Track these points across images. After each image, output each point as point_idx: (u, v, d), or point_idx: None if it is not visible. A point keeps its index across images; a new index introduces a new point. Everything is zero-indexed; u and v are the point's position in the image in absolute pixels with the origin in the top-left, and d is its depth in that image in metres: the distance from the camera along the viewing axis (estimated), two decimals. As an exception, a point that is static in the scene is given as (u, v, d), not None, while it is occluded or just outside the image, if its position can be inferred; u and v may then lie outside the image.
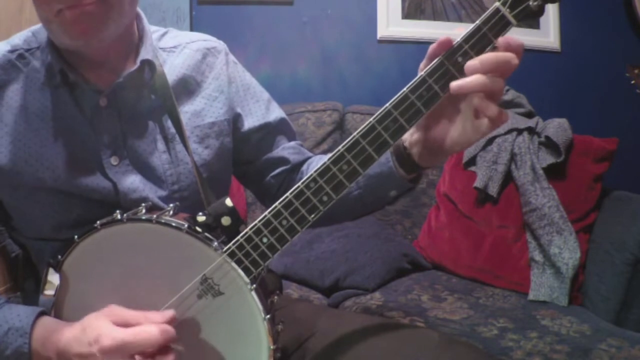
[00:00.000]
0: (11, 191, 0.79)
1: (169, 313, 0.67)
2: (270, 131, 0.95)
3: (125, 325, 0.65)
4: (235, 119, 0.93)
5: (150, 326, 0.64)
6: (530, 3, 0.64)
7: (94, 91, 0.79)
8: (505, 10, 0.64)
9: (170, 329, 0.65)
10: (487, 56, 0.64)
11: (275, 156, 0.95)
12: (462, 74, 0.65)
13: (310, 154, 0.98)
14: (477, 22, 0.64)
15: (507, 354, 1.20)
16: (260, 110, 0.95)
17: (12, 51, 0.80)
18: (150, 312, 0.67)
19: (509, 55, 0.64)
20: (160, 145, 0.83)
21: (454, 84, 0.65)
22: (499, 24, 0.64)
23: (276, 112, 0.97)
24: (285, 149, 0.95)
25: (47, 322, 0.70)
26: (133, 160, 0.81)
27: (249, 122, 0.93)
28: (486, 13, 0.64)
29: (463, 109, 0.70)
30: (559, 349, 1.20)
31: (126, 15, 0.77)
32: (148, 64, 0.82)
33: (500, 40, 0.64)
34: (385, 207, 0.89)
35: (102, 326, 0.65)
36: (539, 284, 1.51)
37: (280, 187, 0.95)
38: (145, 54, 0.81)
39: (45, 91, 0.79)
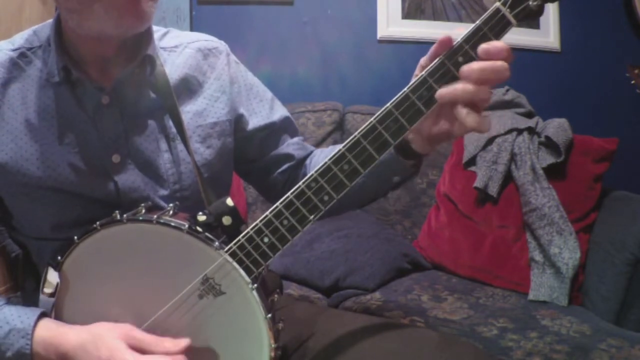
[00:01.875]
0: (12, 189, 0.79)
1: (184, 342, 0.67)
2: (275, 130, 0.96)
3: (140, 350, 0.66)
4: (238, 119, 0.93)
5: (164, 359, 0.64)
6: (530, 3, 0.64)
7: (96, 89, 0.79)
8: (505, 10, 0.64)
9: None
10: (473, 66, 0.64)
11: (280, 153, 0.95)
12: None
13: (312, 148, 0.99)
14: (478, 22, 0.65)
15: (507, 354, 1.20)
16: (265, 109, 0.95)
17: (14, 50, 0.80)
18: (165, 339, 0.68)
19: (497, 64, 0.63)
20: (163, 144, 0.83)
21: (439, 92, 0.65)
22: (499, 24, 0.64)
23: (280, 111, 0.97)
24: (290, 145, 0.96)
25: (48, 324, 0.70)
26: (135, 158, 0.81)
27: (254, 122, 0.94)
28: (486, 13, 0.65)
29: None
30: (559, 349, 1.20)
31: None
32: (149, 60, 0.82)
33: (480, 49, 0.64)
34: (388, 193, 0.89)
35: (117, 347, 0.65)
36: (539, 284, 1.51)
37: (285, 183, 0.96)
38: (147, 50, 0.81)
39: (47, 89, 0.79)
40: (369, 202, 0.91)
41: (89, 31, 0.75)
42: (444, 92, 0.65)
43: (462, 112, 0.65)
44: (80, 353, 0.65)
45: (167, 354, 0.65)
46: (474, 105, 0.66)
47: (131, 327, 0.68)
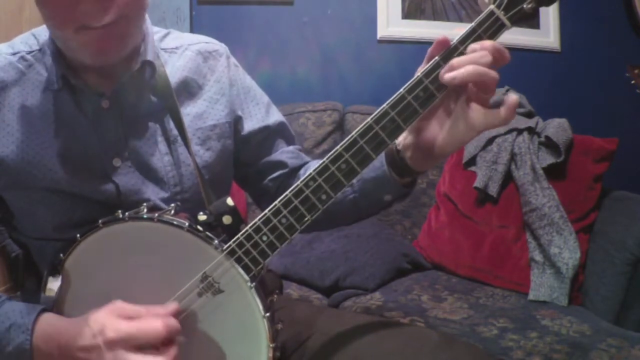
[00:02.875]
0: (13, 191, 0.79)
1: (172, 306, 0.68)
2: (270, 134, 0.95)
3: (129, 318, 0.66)
4: (236, 122, 0.93)
5: (154, 320, 0.65)
6: (525, 6, 0.65)
7: (96, 94, 0.79)
8: (499, 13, 0.65)
9: (174, 322, 0.66)
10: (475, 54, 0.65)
11: (273, 160, 0.95)
12: None
13: (308, 159, 0.98)
14: (472, 24, 0.65)
15: (507, 354, 1.20)
16: (260, 113, 0.95)
17: (13, 53, 0.81)
18: (153, 305, 0.68)
19: (480, 54, 0.65)
20: (162, 146, 0.83)
21: (447, 75, 0.65)
22: (493, 26, 0.65)
23: (276, 116, 0.97)
24: (284, 152, 0.96)
25: (49, 319, 0.70)
26: (135, 161, 0.81)
27: (249, 125, 0.94)
28: (481, 15, 0.65)
29: (455, 109, 0.70)
30: (559, 349, 1.20)
31: (142, 26, 0.78)
32: (149, 65, 0.82)
33: (468, 49, 0.65)
34: (380, 212, 0.89)
35: (106, 319, 0.65)
36: (539, 284, 1.51)
37: (277, 190, 0.95)
38: (146, 55, 0.81)
39: (47, 93, 0.79)
40: (360, 220, 0.90)
41: (73, 58, 0.77)
42: (452, 73, 0.65)
43: (471, 110, 0.66)
44: (77, 339, 0.66)
45: (156, 316, 0.66)
46: (480, 97, 0.67)
47: (119, 301, 0.68)
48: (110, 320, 0.65)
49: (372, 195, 0.82)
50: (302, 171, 0.94)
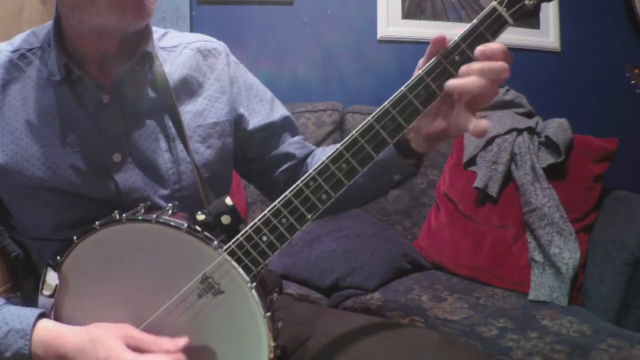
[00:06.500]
0: (12, 189, 0.79)
1: (182, 342, 0.67)
2: (276, 129, 0.96)
3: (138, 349, 0.65)
4: (238, 120, 0.93)
5: (163, 358, 0.64)
6: (527, 2, 0.65)
7: (97, 87, 0.79)
8: (501, 10, 0.65)
9: (182, 359, 0.65)
10: (472, 66, 0.65)
11: (281, 152, 0.96)
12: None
13: (313, 147, 0.99)
14: (474, 21, 0.65)
15: (507, 354, 1.20)
16: (265, 109, 0.95)
17: (13, 51, 0.81)
18: (164, 338, 0.67)
19: (495, 64, 0.64)
20: (163, 143, 0.83)
21: (449, 83, 0.66)
22: (495, 23, 0.65)
23: (280, 111, 0.98)
24: (290, 144, 0.97)
25: (48, 325, 0.70)
26: (136, 158, 0.81)
27: (254, 122, 0.94)
28: (483, 12, 0.65)
29: (455, 102, 0.70)
30: (559, 349, 1.20)
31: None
32: (147, 57, 0.82)
33: (476, 51, 0.64)
34: (388, 192, 0.90)
35: (115, 347, 0.65)
36: (539, 284, 1.51)
37: (287, 182, 0.96)
38: (146, 46, 0.81)
39: (47, 90, 0.79)
40: (370, 201, 0.92)
41: (90, 26, 0.75)
42: (454, 82, 0.65)
43: (460, 112, 0.65)
44: (79, 355, 0.65)
45: (166, 352, 0.65)
46: (474, 104, 0.66)
47: (129, 327, 0.68)
48: (117, 349, 0.65)
49: (382, 176, 0.82)
50: (309, 159, 0.95)
